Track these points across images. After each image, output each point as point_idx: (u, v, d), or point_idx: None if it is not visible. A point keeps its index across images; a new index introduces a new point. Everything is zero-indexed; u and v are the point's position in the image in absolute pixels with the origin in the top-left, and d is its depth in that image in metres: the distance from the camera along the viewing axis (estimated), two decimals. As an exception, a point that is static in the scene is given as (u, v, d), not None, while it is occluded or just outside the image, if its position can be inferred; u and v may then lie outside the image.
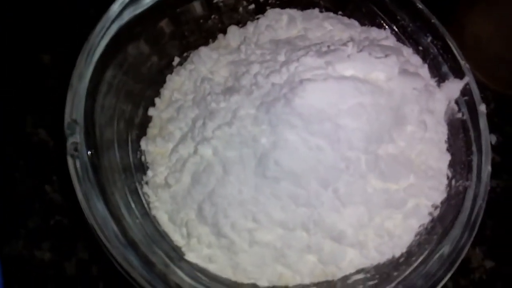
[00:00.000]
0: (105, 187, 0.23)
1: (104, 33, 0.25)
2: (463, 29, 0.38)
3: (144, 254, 0.23)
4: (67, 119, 0.22)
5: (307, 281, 0.27)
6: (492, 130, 0.40)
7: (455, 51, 0.28)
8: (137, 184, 0.28)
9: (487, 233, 0.37)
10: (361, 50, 0.27)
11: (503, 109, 0.41)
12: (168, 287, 0.22)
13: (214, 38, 0.32)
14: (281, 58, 0.28)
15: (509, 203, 0.38)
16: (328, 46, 0.27)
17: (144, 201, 0.28)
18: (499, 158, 0.40)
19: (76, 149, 0.22)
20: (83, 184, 0.22)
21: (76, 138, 0.22)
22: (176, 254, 0.26)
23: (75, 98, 0.23)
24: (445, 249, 0.24)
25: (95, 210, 0.21)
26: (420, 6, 0.29)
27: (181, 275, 0.24)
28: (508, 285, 0.35)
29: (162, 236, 0.27)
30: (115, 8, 0.26)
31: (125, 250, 0.22)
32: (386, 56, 0.27)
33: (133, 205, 0.26)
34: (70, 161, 0.22)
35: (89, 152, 0.23)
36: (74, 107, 0.23)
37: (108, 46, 0.26)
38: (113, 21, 0.26)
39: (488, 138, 0.27)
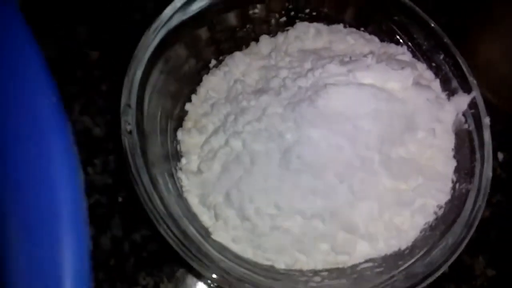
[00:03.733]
0: (149, 167, 0.27)
1: (157, 33, 0.28)
2: (474, 52, 0.40)
3: (181, 227, 0.26)
4: (123, 102, 0.26)
5: (320, 267, 0.29)
6: (500, 148, 0.43)
7: (464, 68, 0.31)
8: (173, 169, 0.31)
9: (490, 243, 0.39)
10: (379, 62, 0.30)
11: (511, 129, 0.43)
12: (203, 256, 0.25)
13: (247, 45, 0.36)
14: (308, 65, 0.31)
15: (512, 217, 0.40)
16: (350, 57, 0.31)
17: (178, 185, 0.31)
18: (505, 175, 0.42)
19: (129, 131, 0.25)
20: (136, 159, 0.25)
21: (129, 119, 0.26)
22: (204, 232, 0.29)
23: (132, 85, 0.26)
24: (447, 243, 0.27)
25: (145, 184, 0.25)
26: (434, 27, 0.32)
27: (211, 249, 0.27)
28: (507, 294, 0.38)
29: (193, 216, 0.29)
30: (167, 12, 0.29)
31: (168, 220, 0.25)
32: (402, 68, 0.30)
33: (170, 185, 0.29)
34: (124, 139, 0.25)
35: (138, 134, 0.26)
36: (130, 93, 0.26)
37: (158, 45, 0.29)
38: (164, 24, 0.29)
39: (490, 147, 0.29)
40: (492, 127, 0.30)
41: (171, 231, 0.24)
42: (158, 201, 0.25)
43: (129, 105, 0.26)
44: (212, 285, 0.34)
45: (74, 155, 0.17)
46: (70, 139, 0.17)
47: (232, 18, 0.35)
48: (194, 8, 0.31)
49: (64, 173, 0.17)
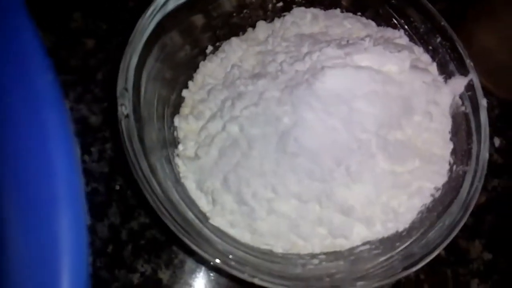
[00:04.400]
0: (147, 153, 0.27)
1: (153, 17, 0.28)
2: (471, 39, 0.40)
3: (180, 212, 0.26)
4: (120, 86, 0.26)
5: (317, 250, 0.29)
6: (496, 134, 0.43)
7: (461, 51, 0.31)
8: (170, 155, 0.31)
9: (486, 228, 0.39)
10: (376, 45, 0.30)
11: (507, 115, 0.44)
12: (203, 240, 0.25)
13: (244, 31, 0.35)
14: (305, 49, 0.31)
15: (508, 202, 0.41)
16: (347, 41, 0.31)
17: (175, 171, 0.31)
18: (501, 160, 0.43)
19: (126, 114, 0.25)
20: (134, 145, 0.25)
21: (125, 103, 0.25)
22: (202, 217, 0.29)
23: (128, 70, 0.26)
24: (444, 223, 0.27)
25: (143, 168, 0.24)
26: (432, 10, 0.32)
27: (210, 234, 0.27)
28: (503, 277, 0.38)
29: (191, 202, 0.30)
30: (161, -3, 0.29)
31: (168, 204, 0.24)
32: (399, 51, 0.30)
33: (167, 171, 0.29)
34: (122, 123, 0.25)
35: (135, 119, 0.26)
36: (127, 78, 0.26)
37: (154, 30, 0.29)
38: (160, 8, 0.29)
39: (487, 128, 0.29)
40: (488, 112, 0.31)
41: (171, 215, 0.24)
42: (156, 186, 0.25)
43: (126, 89, 0.26)
44: (210, 272, 0.34)
45: (70, 129, 0.17)
46: (66, 113, 0.18)
47: (228, 3, 0.35)
48: (189, -8, 0.31)
49: (61, 146, 0.17)
